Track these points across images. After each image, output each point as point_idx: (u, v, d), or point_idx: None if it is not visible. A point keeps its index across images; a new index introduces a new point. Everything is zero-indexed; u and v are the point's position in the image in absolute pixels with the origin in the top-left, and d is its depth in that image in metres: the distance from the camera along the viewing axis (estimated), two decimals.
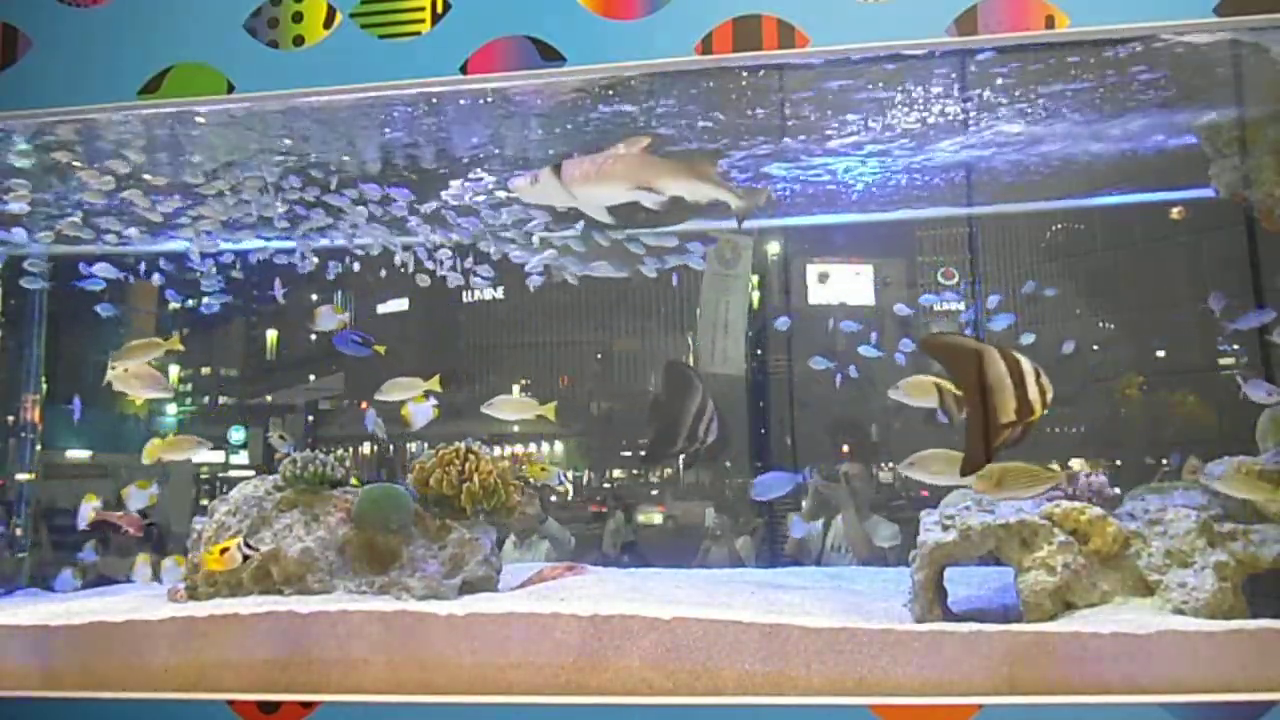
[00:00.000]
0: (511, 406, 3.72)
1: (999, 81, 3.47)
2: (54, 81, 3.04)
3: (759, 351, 6.56)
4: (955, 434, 2.62)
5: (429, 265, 4.89)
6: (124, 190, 4.17)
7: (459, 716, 2.50)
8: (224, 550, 2.91)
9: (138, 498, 3.84)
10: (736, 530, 5.27)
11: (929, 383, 2.88)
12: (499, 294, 4.99)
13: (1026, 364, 2.43)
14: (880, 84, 3.49)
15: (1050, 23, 2.65)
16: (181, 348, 3.72)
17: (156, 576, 3.71)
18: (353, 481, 3.37)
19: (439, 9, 2.88)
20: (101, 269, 4.61)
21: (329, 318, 3.90)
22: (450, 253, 4.85)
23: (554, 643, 2.57)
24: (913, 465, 2.82)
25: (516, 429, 11.70)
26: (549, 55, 2.82)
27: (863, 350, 5.45)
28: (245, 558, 2.94)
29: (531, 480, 4.06)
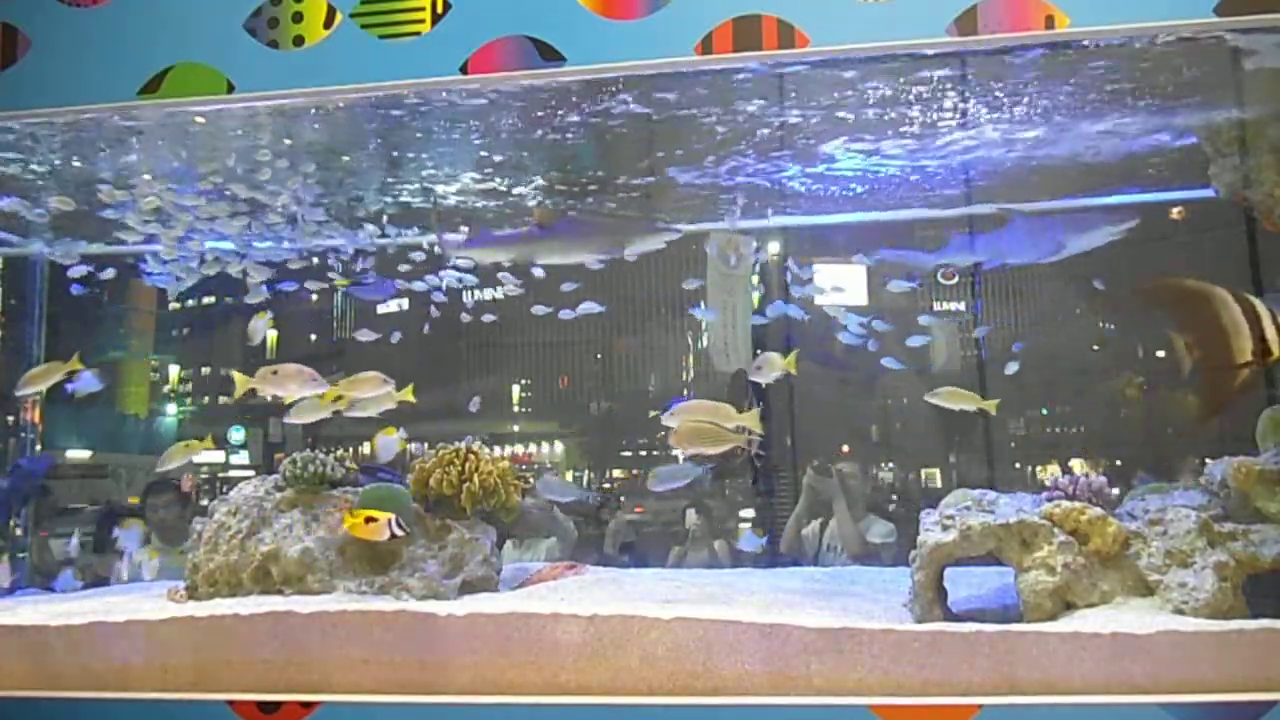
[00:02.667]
0: (312, 410, 3.60)
1: (998, 81, 3.47)
2: (54, 81, 3.04)
3: (758, 352, 6.55)
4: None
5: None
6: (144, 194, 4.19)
7: (459, 716, 2.50)
8: (370, 520, 2.87)
9: (73, 546, 4.01)
10: (713, 532, 5.27)
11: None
12: (499, 294, 4.99)
13: (1260, 305, 2.37)
14: (879, 83, 3.49)
15: (1050, 23, 2.65)
16: (81, 366, 3.67)
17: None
18: (351, 468, 3.37)
19: (439, 9, 2.88)
20: (77, 270, 4.60)
21: (258, 329, 3.94)
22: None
23: (554, 643, 2.57)
24: (673, 415, 3.14)
25: (517, 429, 11.71)
26: (549, 55, 2.82)
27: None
28: (393, 535, 2.92)
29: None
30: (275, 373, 3.34)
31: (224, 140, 3.88)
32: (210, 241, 4.74)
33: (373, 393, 3.40)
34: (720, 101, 3.54)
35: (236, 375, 3.36)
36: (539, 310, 4.84)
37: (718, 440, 3.12)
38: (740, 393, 4.23)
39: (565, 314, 4.67)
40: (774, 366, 3.53)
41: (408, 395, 3.56)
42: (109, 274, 4.73)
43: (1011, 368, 4.81)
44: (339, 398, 3.43)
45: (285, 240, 4.71)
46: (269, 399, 3.58)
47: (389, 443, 3.58)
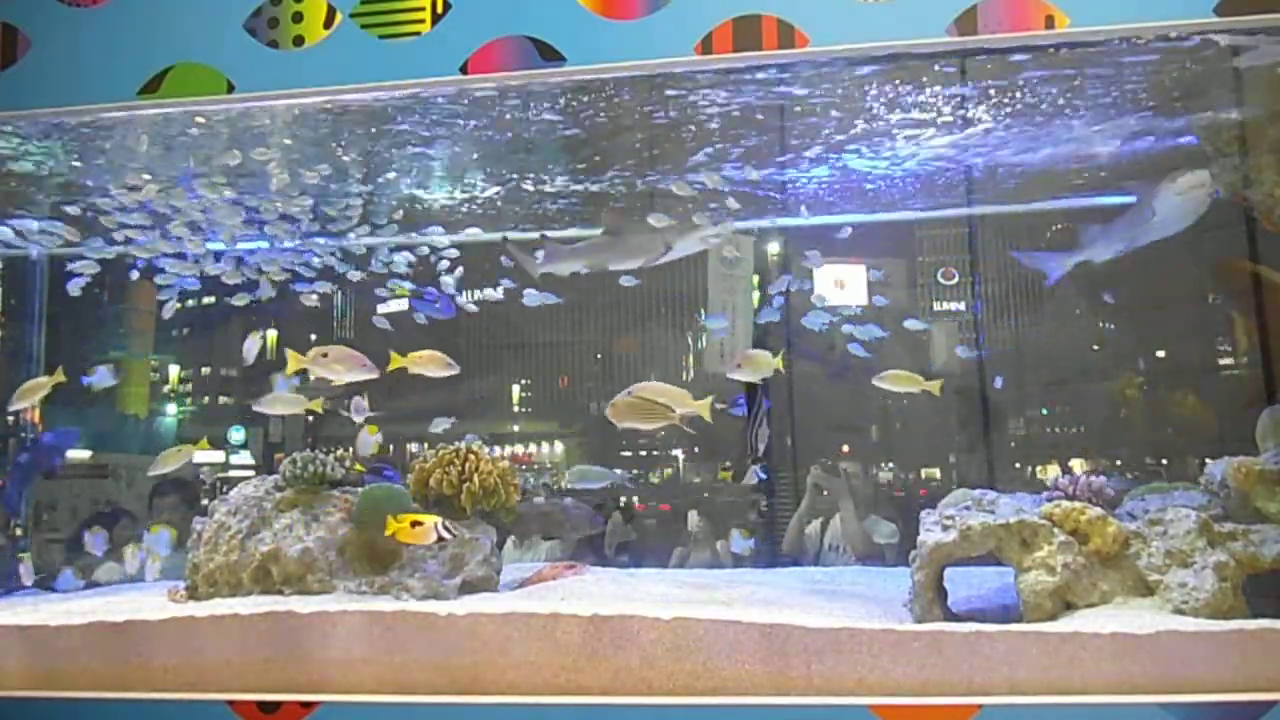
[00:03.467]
0: (281, 404, 3.70)
1: (998, 80, 3.47)
2: (54, 81, 3.04)
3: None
4: None
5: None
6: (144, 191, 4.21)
7: (459, 716, 2.50)
8: (416, 523, 2.86)
9: (100, 543, 4.04)
10: (716, 533, 5.26)
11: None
12: (499, 294, 5.00)
13: None
14: (879, 83, 3.49)
15: (1050, 23, 2.65)
16: (65, 379, 3.74)
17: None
18: (356, 468, 3.38)
19: (439, 9, 2.88)
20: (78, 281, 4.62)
21: (251, 350, 3.97)
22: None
23: (554, 643, 2.57)
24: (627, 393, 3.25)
25: (516, 429, 11.70)
26: (549, 55, 2.82)
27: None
28: (440, 539, 2.90)
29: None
30: (326, 354, 3.36)
31: (249, 141, 3.91)
32: (210, 243, 4.75)
33: (436, 371, 3.48)
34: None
35: (290, 353, 3.39)
36: (493, 296, 4.87)
37: (652, 417, 3.18)
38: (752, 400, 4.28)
39: (527, 301, 4.69)
40: (757, 365, 3.48)
41: (316, 406, 3.66)
42: (133, 276, 4.76)
43: (998, 381, 4.83)
44: (320, 398, 3.50)
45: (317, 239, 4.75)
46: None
47: (366, 439, 3.65)
